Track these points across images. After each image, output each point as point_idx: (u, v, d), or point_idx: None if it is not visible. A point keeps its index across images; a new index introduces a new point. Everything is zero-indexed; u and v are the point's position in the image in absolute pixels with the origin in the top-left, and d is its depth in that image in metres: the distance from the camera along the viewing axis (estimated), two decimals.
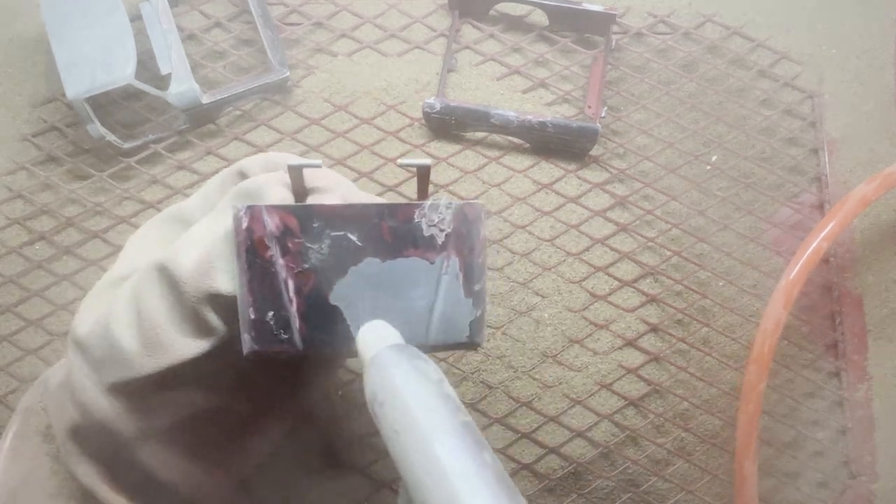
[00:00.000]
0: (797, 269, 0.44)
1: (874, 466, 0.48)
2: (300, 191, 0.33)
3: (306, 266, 0.29)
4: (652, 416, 0.48)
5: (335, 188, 0.34)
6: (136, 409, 0.33)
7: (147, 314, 0.32)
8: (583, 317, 0.49)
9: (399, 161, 0.32)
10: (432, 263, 0.31)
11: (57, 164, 0.50)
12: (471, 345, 0.32)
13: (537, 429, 0.47)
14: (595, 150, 0.51)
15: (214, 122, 0.51)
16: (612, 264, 0.49)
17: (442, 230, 0.31)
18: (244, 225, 0.29)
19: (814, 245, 0.44)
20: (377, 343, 0.28)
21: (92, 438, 0.35)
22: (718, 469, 0.47)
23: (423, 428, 0.24)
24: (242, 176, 0.36)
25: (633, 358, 0.48)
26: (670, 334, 0.49)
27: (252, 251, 0.29)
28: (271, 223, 0.29)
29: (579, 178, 0.51)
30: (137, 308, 0.32)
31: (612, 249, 0.50)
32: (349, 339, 0.30)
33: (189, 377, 0.33)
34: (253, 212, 0.29)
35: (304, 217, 0.29)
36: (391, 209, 0.30)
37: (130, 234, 0.48)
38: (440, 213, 0.31)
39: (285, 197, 0.33)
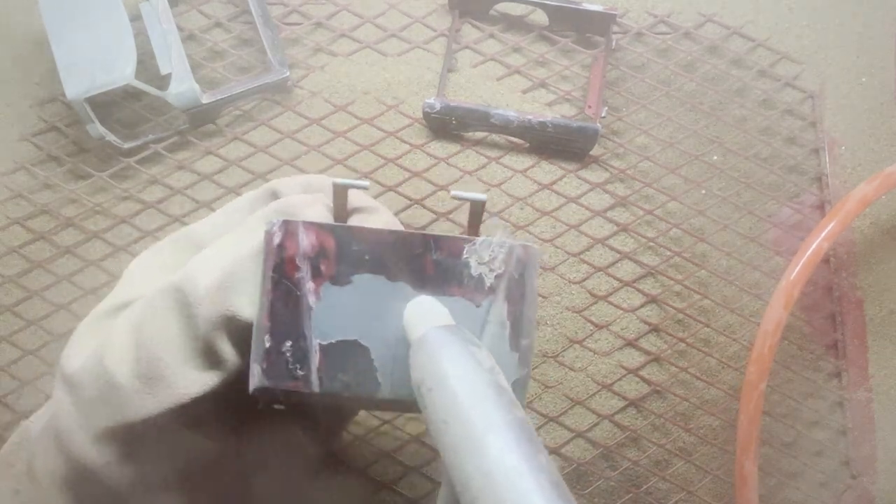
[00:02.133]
0: (797, 269, 0.44)
1: (874, 467, 0.48)
2: (341, 213, 0.31)
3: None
4: (652, 417, 0.48)
5: (381, 211, 0.31)
6: (130, 457, 0.30)
7: (148, 343, 0.28)
8: (583, 317, 0.49)
9: (452, 193, 0.30)
10: (478, 307, 0.28)
11: (57, 163, 0.50)
12: None
13: (537, 429, 0.47)
14: (595, 150, 0.51)
15: (214, 122, 0.50)
16: (612, 264, 0.49)
17: (492, 270, 0.28)
18: (276, 241, 0.26)
19: (814, 245, 0.44)
20: (426, 321, 0.25)
21: (80, 488, 0.31)
22: (719, 469, 0.47)
23: (476, 420, 0.21)
24: (275, 197, 0.33)
25: (634, 358, 0.48)
26: (670, 334, 0.49)
27: (279, 269, 0.26)
28: (306, 241, 0.27)
29: (579, 178, 0.51)
30: (137, 337, 0.29)
31: (613, 249, 0.50)
32: (373, 385, 0.27)
33: (191, 419, 0.29)
34: (288, 227, 0.26)
35: (342, 238, 0.27)
36: (437, 241, 0.28)
37: (130, 248, 0.47)
38: (492, 251, 0.28)
39: (325, 217, 0.30)
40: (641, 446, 0.47)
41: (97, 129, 0.47)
